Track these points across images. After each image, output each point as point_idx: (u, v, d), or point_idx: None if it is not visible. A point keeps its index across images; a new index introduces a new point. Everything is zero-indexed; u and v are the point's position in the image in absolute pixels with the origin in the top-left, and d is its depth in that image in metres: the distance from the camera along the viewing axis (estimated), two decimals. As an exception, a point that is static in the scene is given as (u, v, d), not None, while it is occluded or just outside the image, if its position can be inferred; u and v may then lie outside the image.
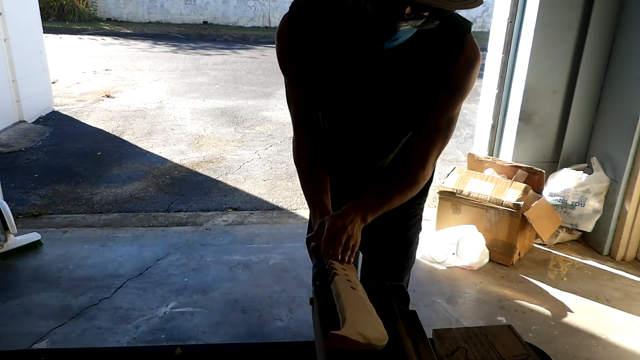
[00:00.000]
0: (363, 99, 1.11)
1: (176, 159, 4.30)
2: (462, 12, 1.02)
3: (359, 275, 1.53)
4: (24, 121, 4.95)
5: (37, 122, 5.13)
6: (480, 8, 13.92)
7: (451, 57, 1.03)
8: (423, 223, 1.48)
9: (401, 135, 1.18)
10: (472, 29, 1.10)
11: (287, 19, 1.09)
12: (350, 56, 1.07)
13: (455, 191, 2.83)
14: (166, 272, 2.60)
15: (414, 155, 1.14)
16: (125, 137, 4.82)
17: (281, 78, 1.22)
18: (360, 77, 1.09)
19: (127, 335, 2.12)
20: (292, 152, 1.26)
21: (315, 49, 1.08)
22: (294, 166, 1.28)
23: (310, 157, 1.21)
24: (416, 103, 1.09)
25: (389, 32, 0.91)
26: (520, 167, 2.90)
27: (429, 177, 1.17)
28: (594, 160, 2.89)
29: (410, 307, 0.97)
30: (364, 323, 0.76)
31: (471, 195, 2.79)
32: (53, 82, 6.23)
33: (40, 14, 5.37)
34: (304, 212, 3.23)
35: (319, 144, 1.22)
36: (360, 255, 1.55)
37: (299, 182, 1.29)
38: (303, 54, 1.10)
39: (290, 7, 1.10)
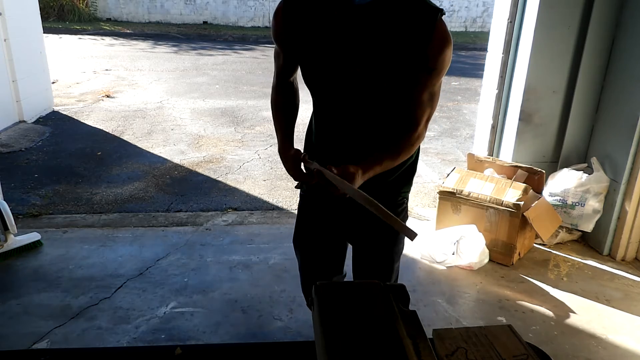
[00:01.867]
0: (348, 67, 1.22)
1: (176, 159, 4.30)
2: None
3: (350, 269, 1.61)
4: (24, 121, 4.95)
5: (37, 122, 5.13)
6: (480, 8, 13.94)
7: (424, 36, 1.14)
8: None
9: (383, 108, 1.27)
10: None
11: (282, 2, 1.28)
12: (334, 25, 1.19)
13: (455, 191, 2.83)
14: (166, 272, 2.60)
15: (404, 124, 1.25)
16: (125, 137, 4.82)
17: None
18: (344, 46, 1.20)
19: (127, 335, 2.12)
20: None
21: (305, 25, 1.24)
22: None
23: (285, 95, 1.42)
24: (395, 74, 1.20)
25: None
26: (520, 167, 2.90)
27: (421, 138, 1.29)
28: (594, 160, 2.89)
29: (410, 307, 0.97)
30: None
31: (471, 195, 2.79)
32: (53, 82, 6.23)
33: (40, 14, 5.37)
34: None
35: (293, 91, 1.43)
36: (350, 247, 1.58)
37: None
38: (294, 29, 1.26)
39: None
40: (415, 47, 1.15)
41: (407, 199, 1.51)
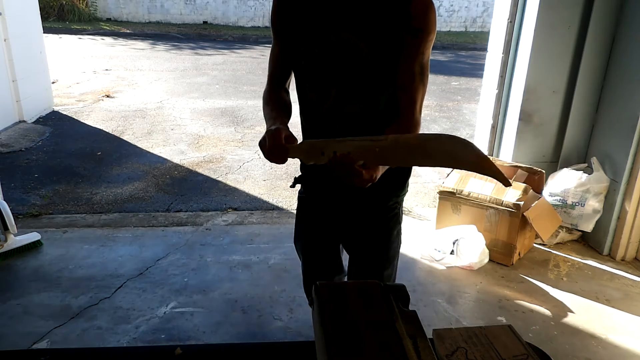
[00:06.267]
0: (330, 35, 1.21)
1: (176, 159, 4.30)
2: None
3: (347, 274, 1.60)
4: (24, 121, 4.95)
5: (37, 122, 5.13)
6: (480, 8, 13.93)
7: None
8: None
9: (367, 77, 1.23)
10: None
11: None
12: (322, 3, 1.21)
13: (455, 191, 2.83)
14: (166, 272, 2.60)
15: (400, 106, 1.20)
16: (125, 137, 4.82)
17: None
18: (329, 13, 1.20)
19: (127, 335, 2.12)
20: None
21: (298, 7, 1.25)
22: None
23: (277, 96, 1.35)
24: (376, 38, 1.18)
25: None
26: (520, 167, 2.90)
27: (418, 124, 1.22)
28: (594, 160, 2.89)
29: (410, 307, 0.97)
30: None
31: (471, 195, 2.79)
32: (53, 82, 6.23)
33: (40, 14, 5.37)
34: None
35: (285, 94, 1.37)
36: (347, 255, 1.57)
37: None
38: (289, 9, 1.26)
39: None
40: (397, 8, 1.15)
41: (401, 204, 1.43)
